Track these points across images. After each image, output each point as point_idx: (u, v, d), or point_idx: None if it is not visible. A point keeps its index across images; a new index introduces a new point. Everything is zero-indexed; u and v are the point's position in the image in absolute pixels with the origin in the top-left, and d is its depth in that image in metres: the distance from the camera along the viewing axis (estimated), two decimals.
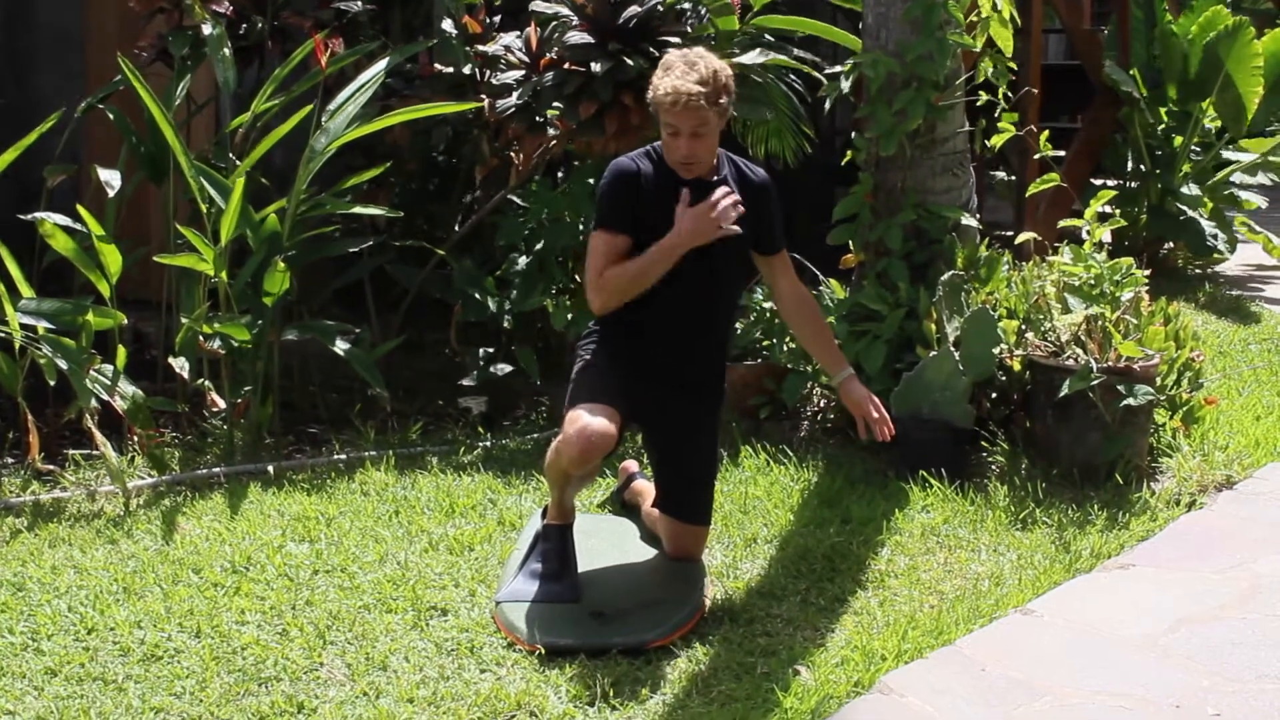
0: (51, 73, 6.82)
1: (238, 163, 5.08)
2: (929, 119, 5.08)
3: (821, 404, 5.40)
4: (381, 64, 5.21)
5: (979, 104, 5.28)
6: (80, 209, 4.83)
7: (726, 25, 5.50)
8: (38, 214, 4.89)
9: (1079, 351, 4.68)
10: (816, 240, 5.72)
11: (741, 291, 3.95)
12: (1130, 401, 4.52)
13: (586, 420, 3.54)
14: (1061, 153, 8.09)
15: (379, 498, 4.53)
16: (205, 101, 5.92)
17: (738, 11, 5.55)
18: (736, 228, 3.59)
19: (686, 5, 5.53)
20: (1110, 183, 8.45)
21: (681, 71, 3.54)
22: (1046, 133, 5.42)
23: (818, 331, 3.89)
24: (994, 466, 4.80)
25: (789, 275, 3.88)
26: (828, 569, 3.99)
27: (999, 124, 5.23)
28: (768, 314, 5.35)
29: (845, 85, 5.30)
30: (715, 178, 3.69)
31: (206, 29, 5.23)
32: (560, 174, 6.20)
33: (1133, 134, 8.18)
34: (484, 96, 5.41)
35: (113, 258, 4.80)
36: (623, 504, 4.41)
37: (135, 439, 4.78)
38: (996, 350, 4.74)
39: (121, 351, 4.77)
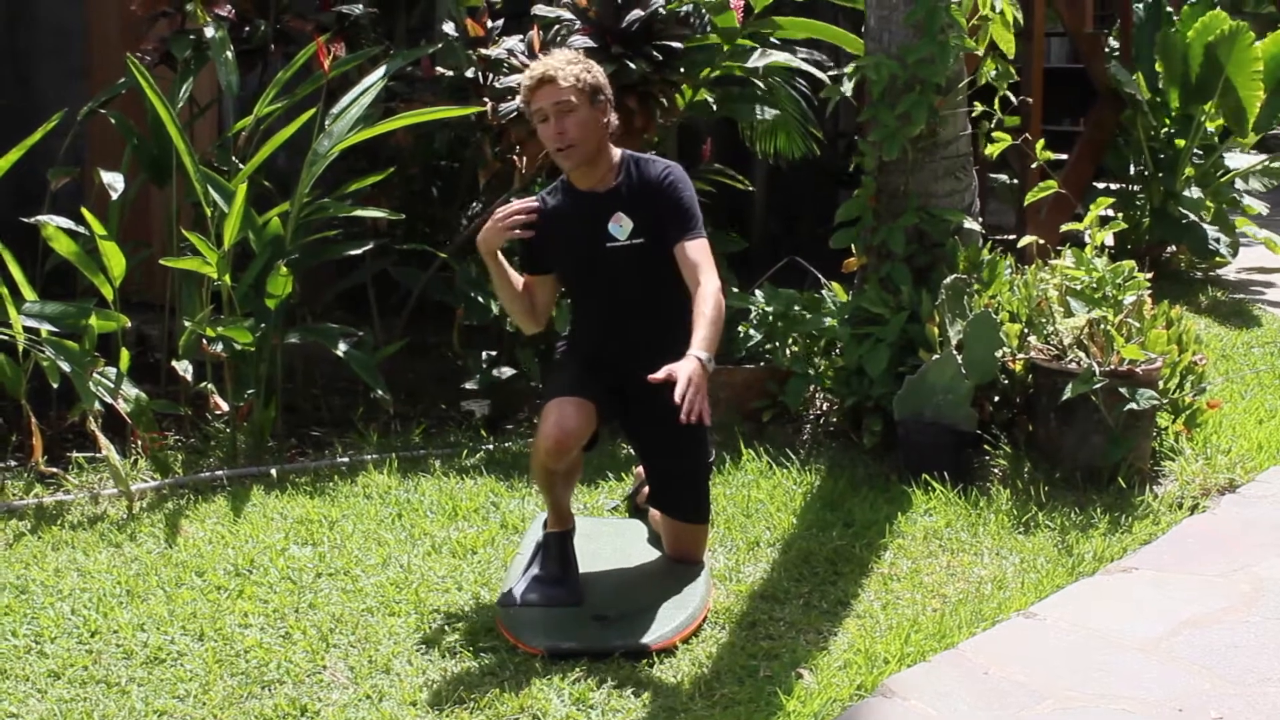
0: (53, 74, 6.83)
1: (240, 166, 5.09)
2: (931, 122, 5.08)
3: (824, 407, 5.40)
4: (385, 68, 5.21)
5: (976, 114, 5.28)
6: (84, 211, 4.84)
7: (726, 23, 5.50)
8: (40, 217, 4.89)
9: (1081, 355, 4.68)
10: (819, 243, 5.72)
11: (676, 294, 3.69)
12: (1133, 405, 4.52)
13: (558, 413, 3.62)
14: (1064, 156, 8.09)
15: (382, 501, 4.53)
16: (208, 104, 5.92)
17: (739, 13, 5.55)
18: (528, 232, 3.72)
19: (689, 8, 5.54)
20: (1112, 186, 8.45)
21: (539, 60, 3.74)
22: (1043, 141, 5.43)
23: (699, 312, 3.49)
24: (996, 470, 4.80)
25: (692, 266, 3.58)
26: (830, 572, 3.99)
27: (993, 133, 5.23)
28: (769, 317, 5.35)
29: (848, 88, 5.30)
30: (615, 181, 3.73)
31: (209, 32, 5.24)
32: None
33: (1135, 137, 8.18)
34: (486, 100, 5.42)
35: (116, 260, 4.81)
36: (635, 507, 4.41)
37: (138, 442, 4.78)
38: (999, 354, 4.75)
39: (124, 354, 4.77)
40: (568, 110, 3.65)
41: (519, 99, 3.78)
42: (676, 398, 3.25)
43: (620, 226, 3.71)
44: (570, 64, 3.68)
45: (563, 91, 3.64)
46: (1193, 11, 8.05)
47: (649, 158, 3.80)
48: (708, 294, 3.52)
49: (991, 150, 5.27)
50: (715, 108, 5.79)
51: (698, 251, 3.62)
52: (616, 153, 3.78)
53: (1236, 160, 8.37)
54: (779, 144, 6.32)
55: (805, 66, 5.88)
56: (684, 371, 3.30)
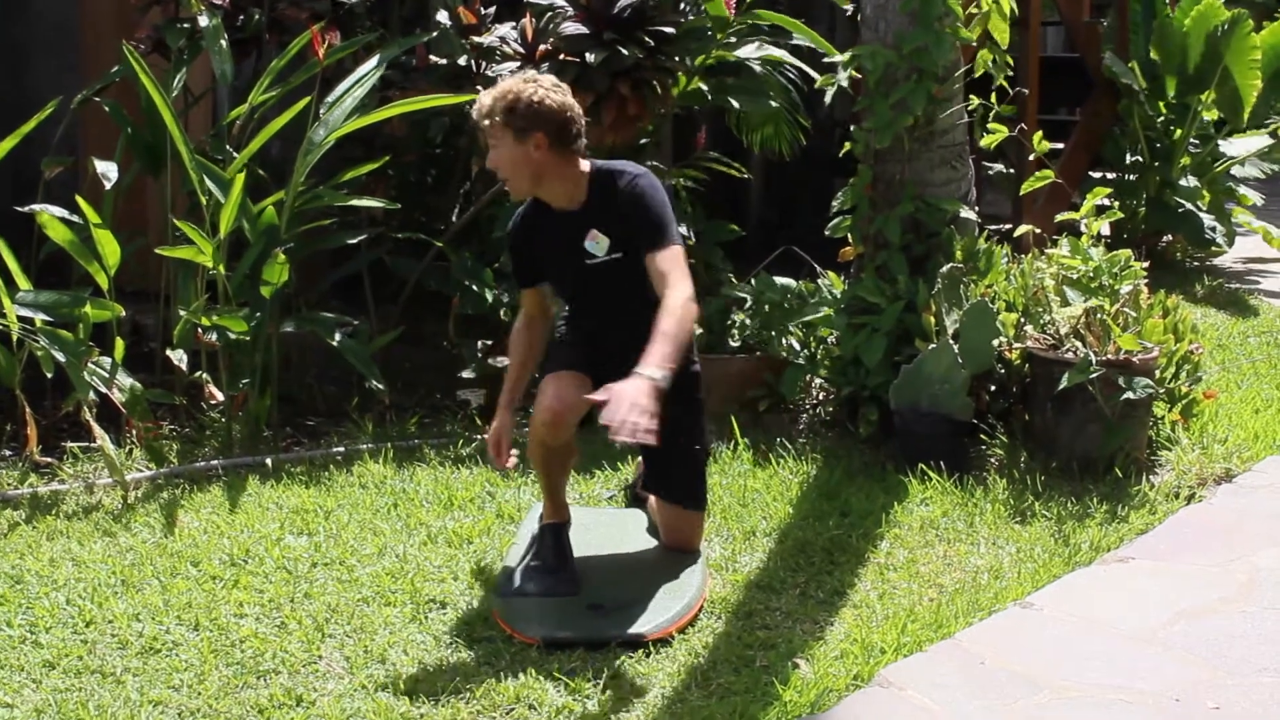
0: (47, 64, 6.80)
1: (235, 155, 5.07)
2: (928, 111, 5.06)
3: (820, 396, 5.39)
4: (380, 57, 5.19)
5: (972, 108, 5.27)
6: (79, 200, 4.82)
7: (716, 12, 5.49)
8: (35, 205, 4.87)
9: (1078, 344, 4.68)
10: (815, 232, 5.71)
11: (656, 305, 3.64)
12: (1129, 394, 4.51)
13: (555, 385, 3.64)
14: (1060, 145, 8.09)
15: (377, 490, 4.53)
16: (202, 93, 5.90)
17: (731, 4, 5.54)
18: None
19: None
20: (1109, 175, 8.45)
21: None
22: (1040, 133, 5.42)
23: (658, 326, 3.40)
24: (993, 459, 4.80)
25: (661, 276, 3.52)
26: (826, 562, 3.99)
27: (988, 124, 5.22)
28: (765, 306, 5.35)
29: (843, 77, 5.29)
30: (584, 198, 3.69)
31: (203, 21, 5.22)
32: None
33: (1132, 126, 8.18)
34: (480, 88, 5.40)
35: (110, 249, 4.79)
36: (635, 496, 4.40)
37: (133, 431, 4.77)
38: (995, 343, 4.74)
39: (119, 344, 4.76)
40: (493, 147, 3.64)
41: None
42: (603, 419, 3.14)
43: (596, 244, 3.69)
44: (496, 99, 3.59)
45: (486, 129, 3.63)
46: (1190, 1, 8.04)
47: (617, 168, 3.72)
48: (671, 306, 3.43)
49: (987, 142, 5.26)
50: (710, 97, 5.78)
51: (666, 261, 3.55)
52: (586, 166, 3.70)
53: (1235, 146, 8.36)
54: (765, 134, 6.30)
55: (798, 62, 5.86)
56: (621, 393, 3.17)
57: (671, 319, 3.40)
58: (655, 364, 3.28)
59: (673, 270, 3.52)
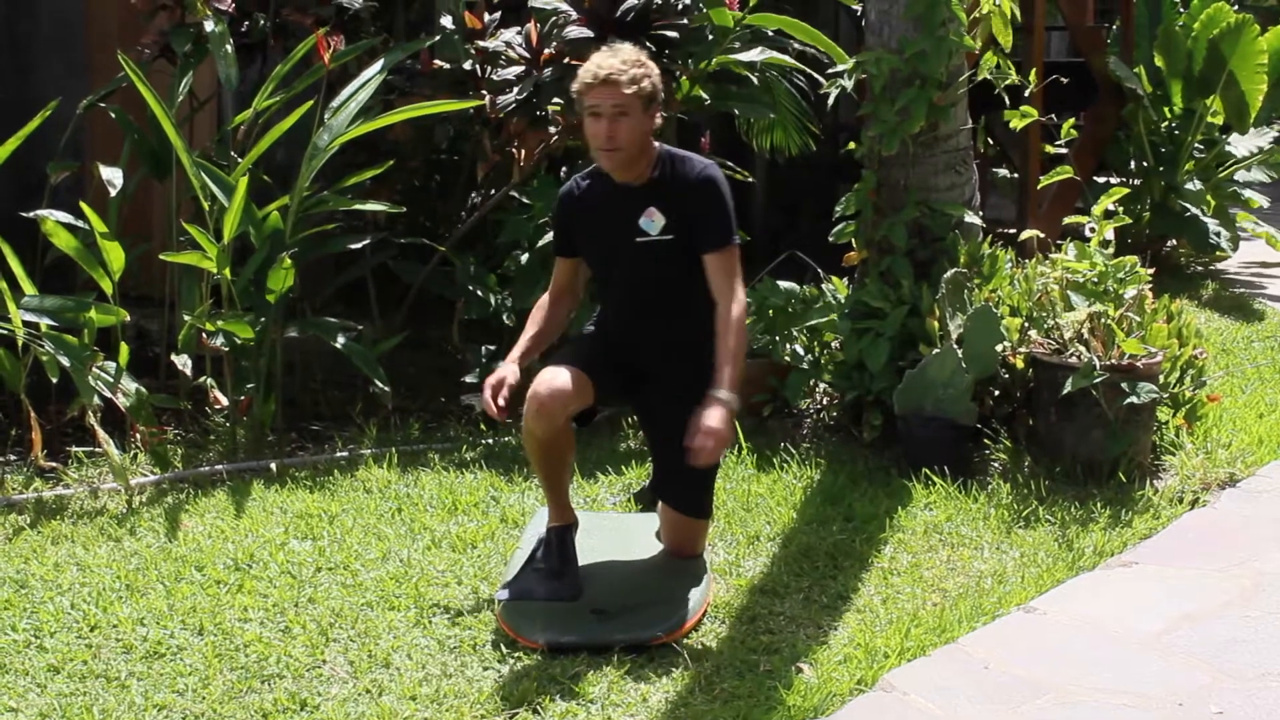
0: (54, 68, 6.82)
1: (239, 160, 5.08)
2: (931, 117, 5.07)
3: (824, 401, 5.39)
4: (383, 61, 5.20)
5: (990, 96, 5.27)
6: (83, 206, 4.83)
7: (720, 20, 5.50)
8: (40, 211, 4.88)
9: (1082, 349, 4.68)
10: (820, 237, 5.71)
11: (700, 291, 3.71)
12: (1133, 399, 4.51)
13: (548, 375, 3.64)
14: (1064, 150, 8.08)
15: (381, 495, 4.53)
16: (207, 98, 5.91)
17: (735, 5, 5.54)
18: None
19: (686, 1, 5.53)
20: (1113, 180, 8.45)
21: (603, 55, 3.67)
22: (1071, 120, 5.41)
23: (723, 347, 3.58)
24: (997, 464, 4.80)
25: (721, 279, 3.63)
26: (830, 566, 3.99)
27: (1021, 109, 5.21)
28: (769, 311, 5.35)
29: (848, 83, 5.29)
30: (651, 175, 3.71)
31: (208, 26, 5.23)
32: (563, 170, 6.19)
33: (1136, 131, 8.18)
34: (485, 93, 5.41)
35: (115, 255, 4.80)
36: (652, 499, 4.39)
37: (138, 436, 4.78)
38: (999, 348, 4.74)
39: (124, 348, 4.77)
40: (621, 114, 3.60)
41: (574, 86, 3.70)
42: (695, 445, 3.41)
43: (652, 222, 3.71)
44: (634, 67, 3.62)
45: (623, 96, 3.58)
46: (1199, 5, 8.05)
47: (687, 155, 3.78)
48: (730, 322, 3.57)
49: (1016, 124, 5.25)
50: (709, 101, 5.78)
51: (724, 264, 3.65)
52: (655, 145, 3.75)
53: (1239, 145, 8.36)
54: (776, 139, 6.31)
55: (800, 66, 5.87)
56: (711, 422, 3.43)
57: (733, 335, 3.57)
58: (728, 387, 3.51)
59: (732, 276, 3.65)
